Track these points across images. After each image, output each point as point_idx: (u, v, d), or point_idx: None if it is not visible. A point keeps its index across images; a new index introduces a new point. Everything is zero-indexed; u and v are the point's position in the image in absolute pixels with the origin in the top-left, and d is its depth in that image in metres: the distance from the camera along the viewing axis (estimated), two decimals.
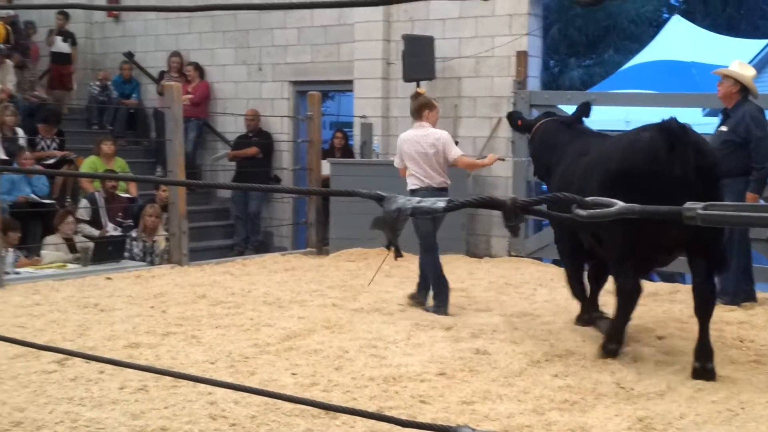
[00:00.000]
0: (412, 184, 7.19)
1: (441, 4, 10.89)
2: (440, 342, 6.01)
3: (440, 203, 1.65)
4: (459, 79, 11.10)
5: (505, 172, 10.65)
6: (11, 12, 13.44)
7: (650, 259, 5.91)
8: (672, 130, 5.57)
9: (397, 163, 7.48)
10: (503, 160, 8.77)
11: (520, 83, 10.57)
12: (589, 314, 6.73)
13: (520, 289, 8.28)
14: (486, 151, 10.83)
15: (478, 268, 9.57)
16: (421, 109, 7.42)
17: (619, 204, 1.59)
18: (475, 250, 10.64)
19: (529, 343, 6.03)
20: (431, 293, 7.29)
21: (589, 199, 1.65)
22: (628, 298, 5.67)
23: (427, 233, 7.26)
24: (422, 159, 7.18)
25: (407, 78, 10.70)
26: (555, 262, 10.20)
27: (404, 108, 11.16)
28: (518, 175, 10.51)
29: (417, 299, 7.31)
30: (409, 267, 8.29)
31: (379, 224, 1.65)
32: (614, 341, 5.77)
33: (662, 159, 5.45)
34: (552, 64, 20.19)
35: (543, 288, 8.35)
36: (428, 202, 1.63)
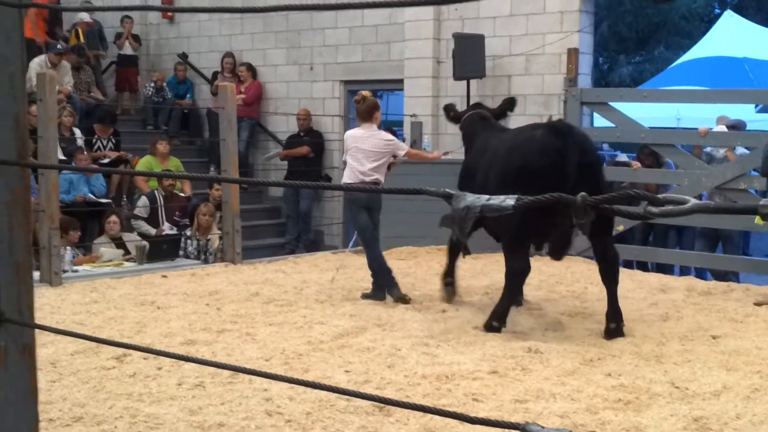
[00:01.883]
0: (346, 177, 7.66)
1: (491, 2, 10.90)
2: (492, 340, 6.04)
3: (509, 201, 1.67)
4: (509, 77, 11.10)
5: None
6: (89, 18, 13.72)
7: (543, 238, 6.62)
8: (560, 130, 6.29)
9: (344, 157, 7.88)
10: (447, 154, 9.15)
11: (571, 81, 10.53)
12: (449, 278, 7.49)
13: (571, 288, 8.26)
14: None
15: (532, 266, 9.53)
16: (371, 110, 7.73)
17: (692, 201, 1.60)
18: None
19: (581, 342, 6.04)
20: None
21: (661, 196, 1.67)
22: (517, 279, 6.45)
23: (364, 227, 7.67)
24: (364, 156, 7.53)
25: (457, 76, 10.73)
26: None
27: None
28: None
29: (376, 296, 7.53)
30: (462, 266, 8.32)
31: (448, 222, 1.68)
32: (499, 319, 6.32)
33: (553, 155, 6.10)
34: (602, 61, 20.03)
35: (594, 286, 8.30)
36: (497, 200, 1.65)
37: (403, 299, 7.35)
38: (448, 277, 7.53)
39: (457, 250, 7.55)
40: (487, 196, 1.66)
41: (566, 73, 10.57)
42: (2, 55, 1.38)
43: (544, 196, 1.67)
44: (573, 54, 10.52)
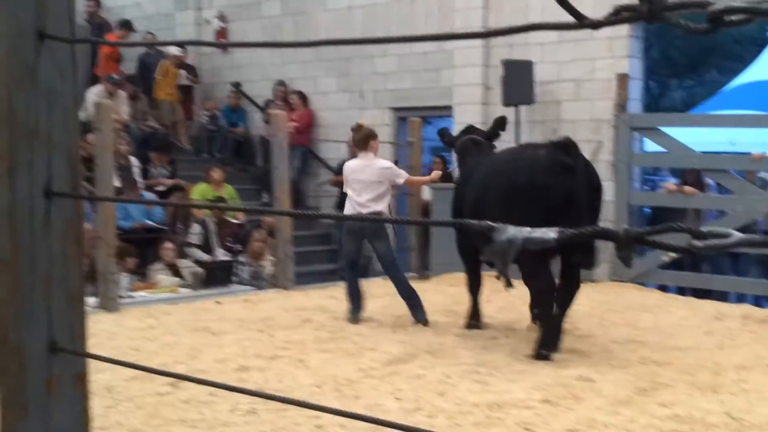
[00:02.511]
0: (346, 209, 7.73)
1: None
2: (543, 368, 6.00)
3: (552, 234, 1.66)
4: (558, 102, 11.07)
5: (607, 196, 10.49)
6: (178, 52, 14.03)
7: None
8: (567, 148, 6.18)
9: (345, 188, 7.89)
10: (443, 174, 9.31)
11: (621, 106, 10.47)
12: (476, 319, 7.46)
13: (623, 315, 8.17)
14: None
15: (580, 292, 9.46)
16: (366, 139, 7.75)
17: (736, 235, 1.59)
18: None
19: (634, 371, 5.96)
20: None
21: (705, 229, 1.66)
22: (547, 298, 6.36)
23: (347, 254, 7.92)
24: (362, 187, 7.58)
25: (506, 103, 10.74)
26: (660, 288, 10.04)
27: (504, 133, 11.20)
28: (620, 199, 10.40)
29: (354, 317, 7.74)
30: (512, 292, 8.28)
31: (489, 255, 1.68)
32: (547, 346, 6.26)
33: (561, 172, 6.07)
34: (652, 86, 19.87)
35: (647, 314, 8.23)
36: (539, 233, 1.64)
37: (355, 321, 7.64)
38: (473, 319, 7.49)
39: (477, 287, 7.53)
40: (529, 229, 1.66)
41: (616, 98, 10.51)
42: (56, 90, 1.44)
43: (587, 229, 1.68)
44: (623, 79, 10.47)
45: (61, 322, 1.45)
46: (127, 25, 13.90)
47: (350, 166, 7.75)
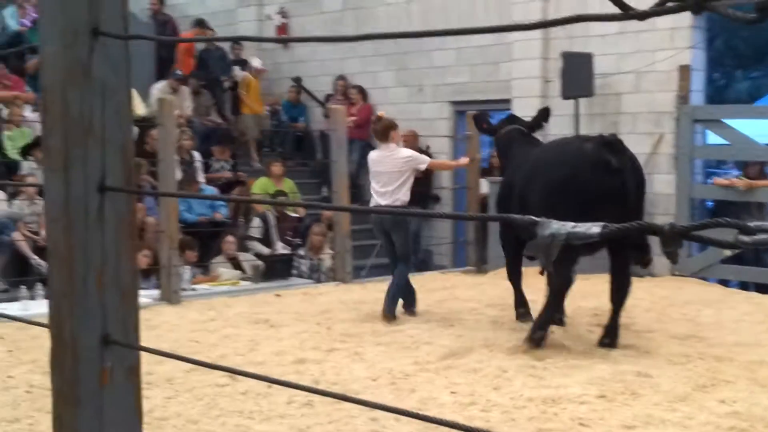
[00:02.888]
0: (372, 201, 7.84)
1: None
2: (600, 363, 5.95)
3: (596, 229, 1.65)
4: (618, 95, 10.94)
5: (667, 188, 10.40)
6: (260, 65, 14.25)
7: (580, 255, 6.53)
8: (614, 144, 6.19)
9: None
10: (473, 160, 9.43)
11: (683, 98, 10.31)
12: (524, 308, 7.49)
13: (683, 310, 8.06)
14: (647, 168, 10.62)
15: (639, 287, 9.28)
16: (386, 130, 7.77)
17: None
18: (636, 269, 10.38)
19: (693, 367, 5.89)
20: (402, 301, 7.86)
21: (754, 224, 1.64)
22: (562, 293, 6.46)
23: (384, 248, 8.03)
24: (385, 179, 7.60)
25: (565, 95, 10.64)
26: (721, 282, 9.87)
27: (562, 126, 11.11)
28: (681, 193, 10.24)
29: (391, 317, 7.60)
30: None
31: (534, 249, 1.68)
32: (542, 328, 6.34)
33: (606, 170, 6.06)
34: (717, 77, 19.49)
35: (708, 309, 8.10)
36: (583, 228, 1.64)
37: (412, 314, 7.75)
38: (521, 307, 7.50)
39: (518, 278, 7.56)
40: (573, 224, 1.66)
41: (677, 90, 10.34)
42: (110, 86, 1.47)
43: (631, 224, 1.67)
44: (684, 71, 10.29)
45: (114, 316, 1.49)
46: (201, 24, 14.11)
47: (372, 157, 7.80)
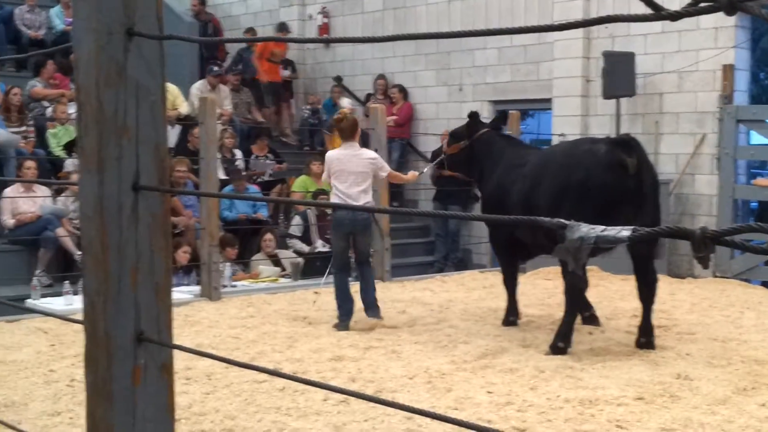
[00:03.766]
0: (333, 201, 7.54)
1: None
2: (638, 365, 5.90)
3: (625, 232, 1.64)
4: (661, 95, 10.83)
5: (709, 189, 10.30)
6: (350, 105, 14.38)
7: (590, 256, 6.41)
8: (629, 144, 6.17)
9: (324, 178, 7.75)
10: (422, 173, 8.82)
11: (726, 98, 10.18)
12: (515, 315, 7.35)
13: (725, 312, 7.96)
14: (689, 168, 10.51)
15: (681, 288, 9.28)
16: (353, 128, 7.43)
17: None
18: (678, 270, 10.32)
19: (734, 369, 5.81)
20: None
21: None
22: (578, 294, 6.44)
23: (338, 250, 7.45)
24: (354, 178, 7.25)
25: (607, 95, 10.57)
26: (764, 284, 9.73)
27: (604, 125, 11.04)
28: (724, 193, 10.13)
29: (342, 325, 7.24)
30: (610, 287, 8.18)
31: (562, 253, 1.67)
32: (564, 339, 6.23)
33: (621, 170, 6.02)
34: (762, 77, 19.20)
35: (750, 311, 8.00)
36: (613, 231, 1.63)
37: (345, 328, 7.18)
38: (510, 315, 7.37)
39: (513, 282, 7.41)
40: (602, 227, 1.64)
41: (721, 90, 10.22)
42: (144, 86, 1.49)
43: (662, 228, 1.66)
44: (728, 70, 10.16)
45: (148, 313, 1.52)
46: (283, 28, 14.30)
47: (336, 156, 7.37)
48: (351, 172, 7.25)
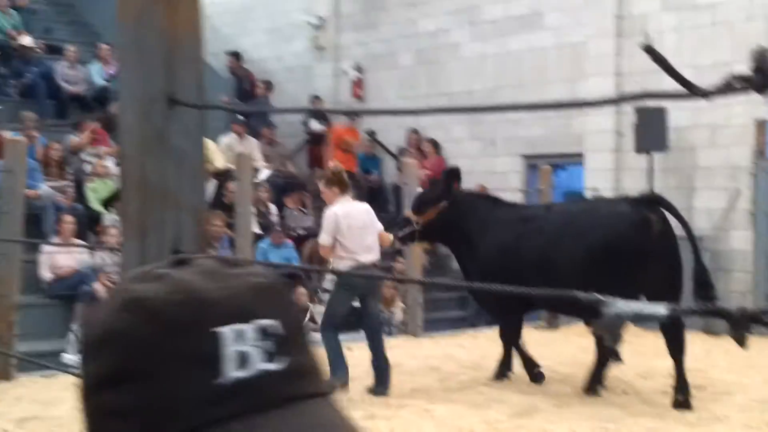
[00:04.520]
0: (347, 263, 6.73)
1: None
2: (677, 428, 5.81)
3: (662, 310, 1.63)
4: (693, 149, 10.81)
5: (745, 245, 10.19)
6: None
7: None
8: (653, 202, 6.31)
9: (327, 241, 6.84)
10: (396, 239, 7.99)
11: (760, 152, 10.14)
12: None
13: (763, 373, 7.80)
14: (724, 224, 10.42)
15: (717, 346, 9.12)
16: (346, 180, 7.06)
17: None
18: (713, 326, 10.14)
19: None
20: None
21: None
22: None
23: (338, 311, 7.00)
24: (364, 234, 6.83)
25: (639, 149, 10.56)
26: None
27: (636, 180, 11.00)
28: (759, 250, 10.03)
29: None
30: (644, 343, 8.07)
31: (600, 329, 1.66)
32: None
33: (648, 229, 6.06)
34: None
35: None
36: (649, 309, 1.61)
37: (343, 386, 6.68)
38: (504, 366, 7.30)
39: (515, 338, 7.30)
40: (639, 303, 1.62)
41: (754, 144, 10.18)
42: (185, 152, 1.52)
43: (700, 307, 1.63)
44: (761, 125, 10.12)
45: None
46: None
47: (339, 212, 6.77)
48: (361, 227, 6.82)
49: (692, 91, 1.32)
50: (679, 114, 10.70)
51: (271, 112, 13.70)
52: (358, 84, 15.24)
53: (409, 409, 6.28)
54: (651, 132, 10.42)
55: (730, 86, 1.27)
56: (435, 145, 13.84)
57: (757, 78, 1.21)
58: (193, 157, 1.56)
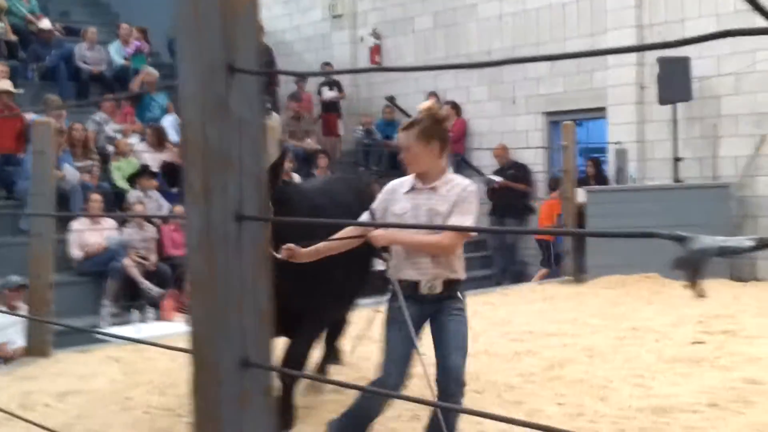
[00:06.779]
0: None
1: (697, 23, 10.62)
2: (709, 371, 5.86)
3: (747, 242, 1.64)
4: (718, 98, 10.74)
5: None
6: None
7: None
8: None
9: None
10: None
11: None
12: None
13: None
14: (750, 170, 10.38)
15: (744, 292, 9.14)
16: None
17: None
18: (740, 273, 10.14)
19: None
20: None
21: None
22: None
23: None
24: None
25: (663, 101, 10.51)
26: None
27: (659, 132, 10.98)
28: None
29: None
30: (670, 293, 8.13)
31: (682, 265, 1.67)
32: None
33: None
34: None
35: None
36: (733, 241, 1.63)
37: None
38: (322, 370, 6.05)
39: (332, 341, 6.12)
40: (723, 237, 1.62)
41: None
42: (245, 120, 1.55)
43: None
44: None
45: (252, 339, 1.58)
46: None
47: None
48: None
49: None
50: (702, 63, 10.63)
51: (311, 75, 13.65)
52: (375, 50, 15.20)
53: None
54: (674, 82, 10.37)
55: None
56: (455, 107, 13.82)
57: None
58: (253, 123, 1.58)
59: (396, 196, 4.21)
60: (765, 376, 5.61)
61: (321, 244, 4.24)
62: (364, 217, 4.30)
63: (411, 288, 4.07)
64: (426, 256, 4.05)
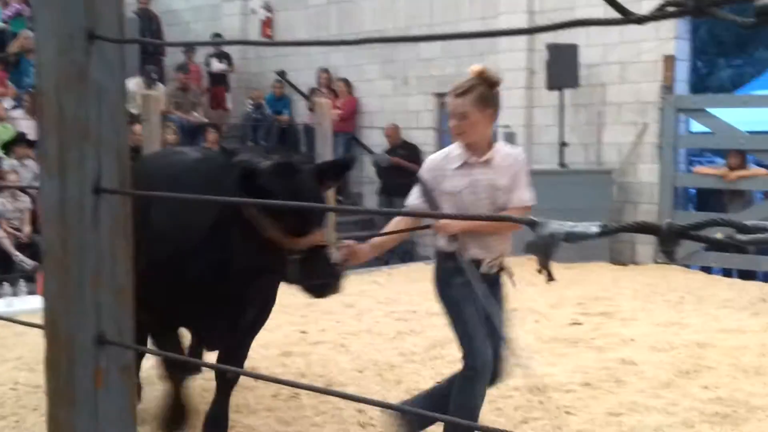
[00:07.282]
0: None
1: (586, 11, 10.83)
2: (584, 352, 6.02)
3: (594, 228, 1.66)
4: (603, 85, 11.01)
5: (650, 177, 10.51)
6: None
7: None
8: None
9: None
10: None
11: (668, 88, 10.40)
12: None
13: (666, 297, 8.13)
14: (632, 158, 10.69)
15: (623, 275, 9.45)
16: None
17: None
18: (619, 256, 10.48)
19: (676, 354, 5.96)
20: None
21: (750, 223, 1.66)
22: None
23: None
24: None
25: (551, 86, 10.71)
26: (703, 269, 9.98)
27: (547, 117, 11.18)
28: (665, 181, 10.36)
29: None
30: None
31: (532, 249, 1.68)
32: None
33: None
34: (700, 65, 19.58)
35: (691, 296, 8.19)
36: (581, 227, 1.64)
37: None
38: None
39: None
40: (572, 223, 1.64)
41: (662, 80, 10.42)
42: (105, 89, 1.48)
43: (629, 224, 1.66)
44: (669, 61, 10.38)
45: (108, 316, 1.51)
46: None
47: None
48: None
49: (627, 16, 1.33)
50: (590, 51, 10.87)
51: (189, 45, 13.35)
52: (267, 23, 14.97)
53: (325, 345, 6.33)
54: (562, 69, 10.57)
55: (665, 11, 1.28)
56: (347, 84, 13.76)
57: (690, 1, 1.22)
58: (114, 93, 1.51)
59: (445, 173, 3.85)
60: (637, 357, 5.81)
61: (376, 239, 4.06)
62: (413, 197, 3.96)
63: (473, 266, 3.88)
64: (493, 235, 3.86)
